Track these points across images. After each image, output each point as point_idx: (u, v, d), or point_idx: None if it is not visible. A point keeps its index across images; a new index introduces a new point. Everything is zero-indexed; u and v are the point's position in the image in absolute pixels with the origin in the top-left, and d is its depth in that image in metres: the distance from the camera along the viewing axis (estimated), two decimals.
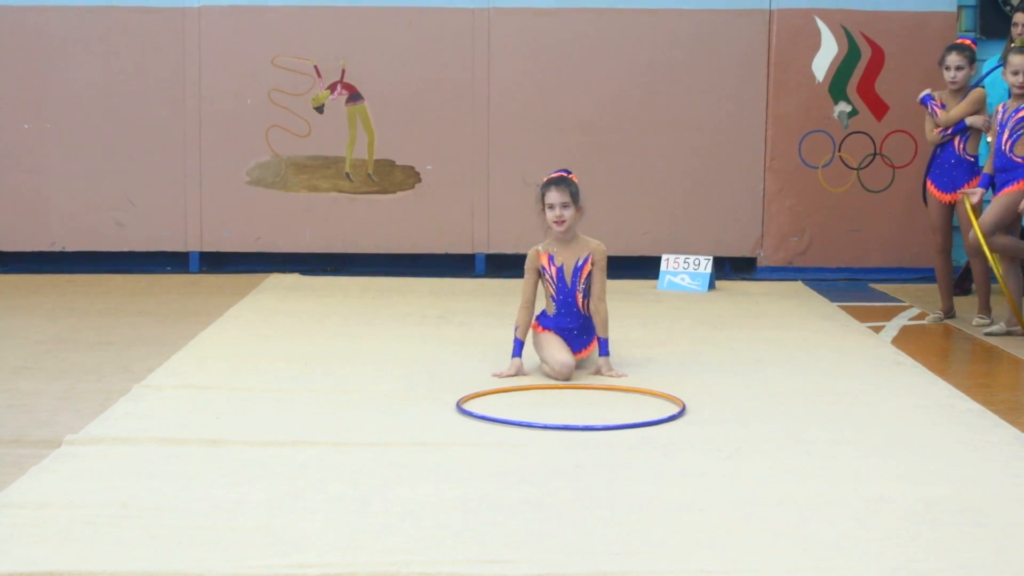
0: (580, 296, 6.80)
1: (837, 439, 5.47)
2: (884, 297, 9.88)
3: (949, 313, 8.76)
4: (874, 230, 10.83)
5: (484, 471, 4.95)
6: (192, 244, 10.90)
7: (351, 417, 5.79)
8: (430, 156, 10.87)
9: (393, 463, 5.03)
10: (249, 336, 7.83)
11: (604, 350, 6.77)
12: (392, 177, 10.89)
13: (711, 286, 10.00)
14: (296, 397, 6.17)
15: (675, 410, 5.93)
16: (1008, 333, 8.10)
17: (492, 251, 10.87)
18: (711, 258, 10.10)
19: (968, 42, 8.55)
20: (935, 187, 8.61)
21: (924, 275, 10.57)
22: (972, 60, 8.47)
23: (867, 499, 4.63)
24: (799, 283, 10.45)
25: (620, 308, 9.03)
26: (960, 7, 10.79)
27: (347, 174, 10.88)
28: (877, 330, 8.32)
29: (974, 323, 8.47)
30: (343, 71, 10.79)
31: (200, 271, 10.89)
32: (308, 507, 4.49)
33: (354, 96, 10.82)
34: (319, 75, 10.80)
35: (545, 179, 6.83)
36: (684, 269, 10.05)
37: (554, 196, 6.72)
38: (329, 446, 5.27)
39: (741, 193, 10.84)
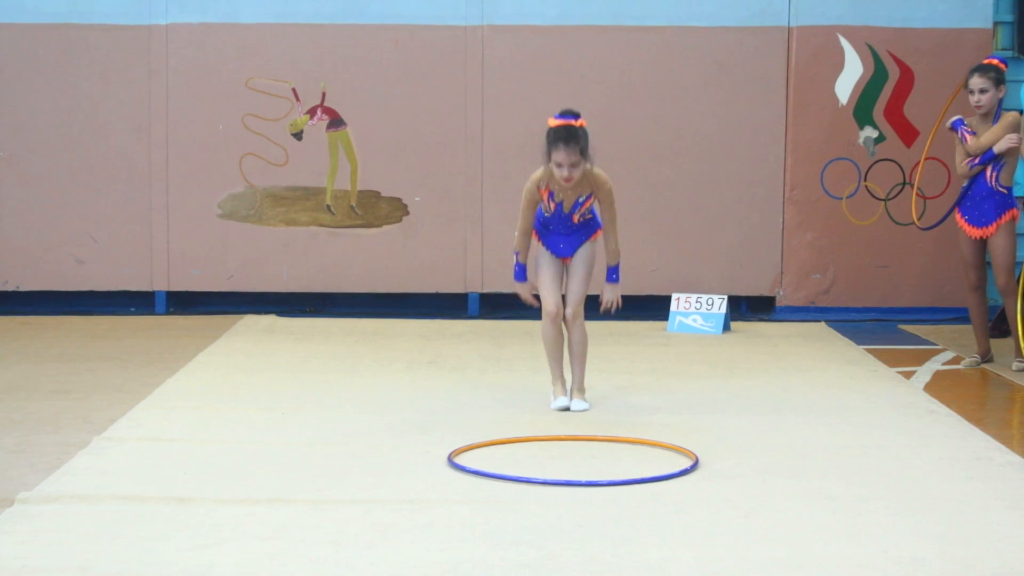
0: (577, 217, 7.12)
1: (864, 495, 5.46)
2: (915, 340, 9.88)
3: (986, 357, 8.76)
4: (904, 266, 10.85)
5: (478, 531, 4.94)
6: (159, 283, 10.90)
7: (332, 472, 5.78)
8: (418, 187, 10.89)
9: (379, 523, 5.03)
10: (220, 383, 7.83)
11: (612, 276, 7.16)
12: (377, 210, 10.91)
13: (726, 328, 10.01)
14: (272, 450, 6.16)
15: (687, 464, 5.93)
16: None
17: (486, 290, 10.88)
18: (725, 297, 10.11)
19: (995, 62, 8.52)
20: (965, 221, 8.60)
21: (959, 315, 10.57)
22: (999, 82, 8.43)
23: (898, 561, 4.63)
24: (822, 324, 10.46)
25: (627, 351, 9.04)
26: (996, 24, 10.85)
27: (328, 206, 10.90)
28: (908, 376, 8.32)
29: (1014, 368, 8.47)
30: (323, 94, 10.83)
31: (167, 312, 10.89)
32: (285, 571, 4.48)
33: (336, 121, 10.85)
34: (297, 98, 10.83)
35: (552, 126, 6.93)
36: (696, 309, 10.06)
37: (563, 157, 6.88)
38: (308, 504, 5.26)
39: (758, 226, 10.86)
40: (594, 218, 7.18)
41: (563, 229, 7.14)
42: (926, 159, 9.40)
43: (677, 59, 10.78)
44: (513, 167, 10.82)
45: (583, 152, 6.88)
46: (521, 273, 7.19)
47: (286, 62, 10.79)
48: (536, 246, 7.21)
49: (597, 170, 7.01)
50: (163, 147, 10.79)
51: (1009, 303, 8.51)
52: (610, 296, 7.16)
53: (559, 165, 6.88)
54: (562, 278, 7.20)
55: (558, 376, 7.26)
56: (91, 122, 10.78)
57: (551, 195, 7.04)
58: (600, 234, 7.17)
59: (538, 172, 7.05)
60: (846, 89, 10.73)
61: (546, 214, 7.12)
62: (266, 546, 4.72)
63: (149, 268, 10.89)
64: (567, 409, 7.10)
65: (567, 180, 6.90)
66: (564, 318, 7.17)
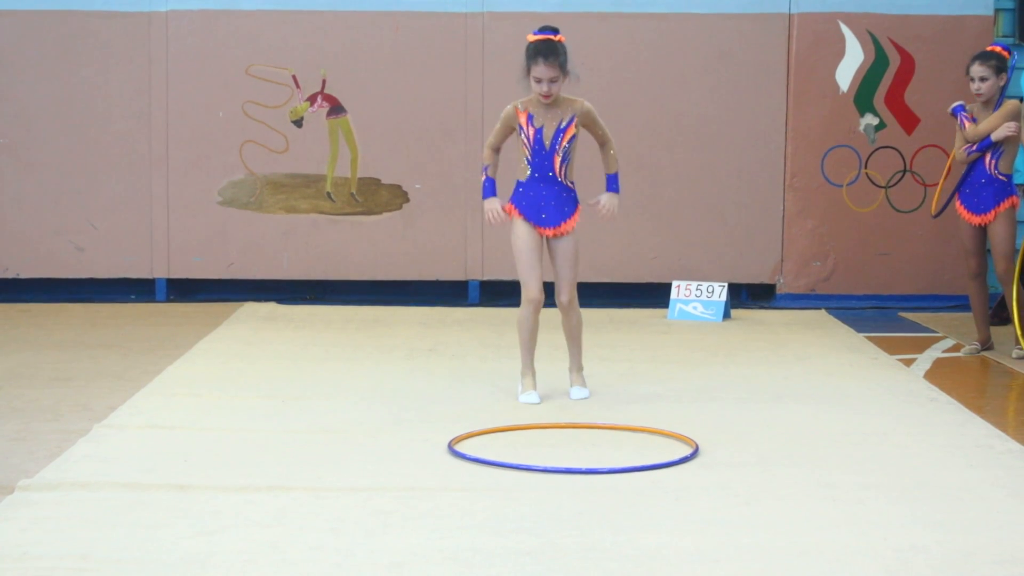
0: (558, 160, 6.92)
1: (865, 483, 5.47)
2: (915, 327, 9.88)
3: (986, 344, 8.76)
4: (904, 254, 10.85)
5: (478, 519, 4.94)
6: (159, 270, 10.91)
7: (332, 459, 5.78)
8: (419, 174, 10.89)
9: (378, 510, 5.03)
10: (221, 371, 7.83)
11: (612, 186, 7.10)
12: (377, 197, 10.91)
13: (726, 315, 10.01)
14: (272, 438, 6.16)
15: (687, 451, 5.93)
16: None
17: (487, 278, 10.88)
18: (726, 285, 10.11)
19: (998, 49, 8.50)
20: (964, 208, 8.60)
21: (959, 303, 10.58)
22: (1000, 69, 8.41)
23: (898, 549, 4.63)
24: (822, 312, 10.46)
25: (627, 339, 9.04)
26: (997, 10, 10.83)
27: (328, 194, 10.89)
28: (908, 363, 8.33)
29: (1014, 355, 8.48)
30: (324, 81, 10.82)
31: (167, 300, 10.89)
32: (286, 559, 4.49)
33: (336, 108, 10.84)
34: (298, 86, 10.82)
35: (532, 40, 6.80)
36: (697, 297, 10.07)
37: (543, 71, 6.75)
38: (308, 491, 5.27)
39: (759, 214, 10.86)
40: (574, 191, 7.03)
41: (544, 178, 6.92)
42: (929, 145, 9.41)
43: (677, 46, 10.77)
44: (514, 155, 10.79)
45: (562, 67, 6.78)
46: (491, 188, 7.00)
47: (286, 49, 10.78)
48: (513, 221, 6.98)
49: (578, 99, 6.96)
50: (163, 134, 10.79)
51: (1008, 291, 8.52)
52: (610, 204, 7.05)
53: (538, 80, 6.76)
54: (541, 258, 6.98)
55: (529, 367, 7.11)
56: (91, 109, 10.78)
57: (530, 119, 6.87)
58: (579, 214, 7.00)
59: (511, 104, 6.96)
60: (847, 76, 10.73)
61: (527, 149, 6.90)
62: (266, 533, 4.73)
63: (149, 255, 10.88)
64: (538, 403, 6.96)
65: (546, 96, 6.79)
66: (560, 305, 7.04)
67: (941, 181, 9.02)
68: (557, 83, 6.79)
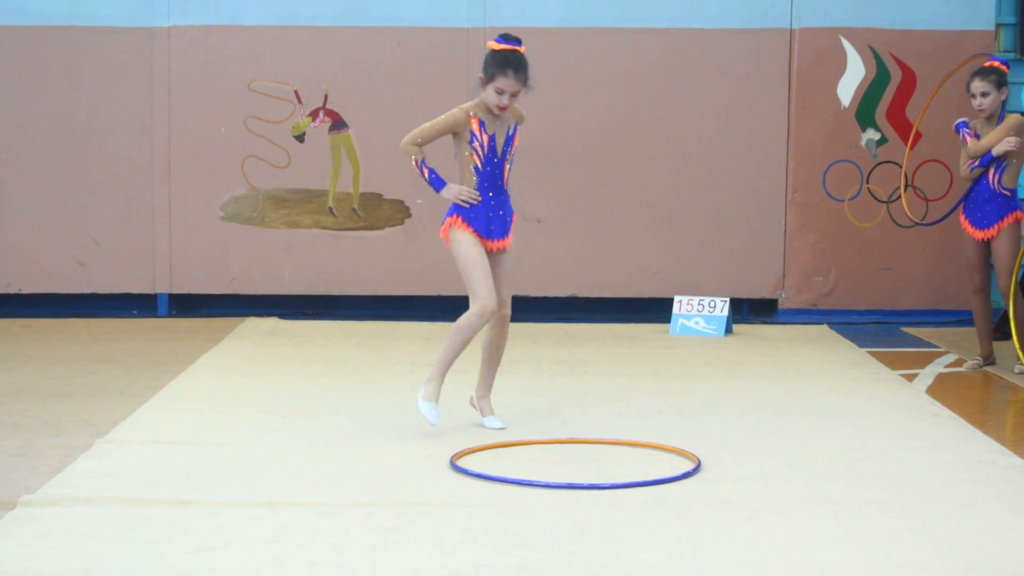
0: (507, 169, 6.65)
1: (867, 498, 5.46)
2: (918, 342, 9.88)
3: (989, 359, 8.76)
4: (906, 269, 10.86)
5: (480, 535, 4.94)
6: (161, 286, 10.91)
7: (334, 475, 5.78)
8: (421, 189, 10.89)
9: (381, 526, 5.03)
10: (223, 386, 7.83)
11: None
12: (379, 212, 10.92)
13: (728, 330, 10.01)
14: (274, 453, 6.16)
15: (689, 466, 5.93)
16: None
17: None
18: (728, 300, 10.11)
19: (996, 64, 8.52)
20: (969, 223, 8.60)
21: (961, 318, 10.58)
22: (1000, 84, 8.43)
23: (900, 565, 4.63)
24: (824, 327, 10.46)
25: (629, 354, 9.04)
26: (998, 25, 10.85)
27: (330, 209, 10.90)
28: (910, 378, 8.32)
29: (1016, 370, 8.47)
30: (326, 96, 10.84)
31: (169, 315, 10.89)
32: (287, 575, 4.48)
33: (338, 124, 10.86)
34: (300, 101, 10.84)
35: (499, 49, 6.55)
36: (698, 312, 10.07)
37: (511, 84, 6.51)
38: (310, 507, 5.26)
39: (760, 229, 10.87)
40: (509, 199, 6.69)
41: (493, 187, 6.60)
42: (910, 151, 9.44)
43: (679, 61, 10.78)
44: (515, 169, 10.79)
45: (527, 81, 6.57)
46: (439, 176, 6.59)
47: (288, 64, 10.80)
48: (457, 231, 6.57)
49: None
50: (165, 149, 10.80)
51: (1009, 305, 8.51)
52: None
53: (501, 92, 6.49)
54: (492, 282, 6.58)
55: (442, 378, 6.61)
56: (93, 124, 10.79)
57: (482, 125, 6.54)
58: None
59: (463, 106, 6.63)
60: (848, 91, 10.74)
61: (478, 158, 6.56)
62: (268, 549, 4.72)
63: (151, 270, 10.89)
64: (434, 423, 6.52)
65: (502, 109, 6.53)
66: (502, 319, 6.68)
67: (902, 179, 9.06)
68: (516, 97, 6.58)
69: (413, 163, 6.61)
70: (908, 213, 9.41)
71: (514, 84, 6.52)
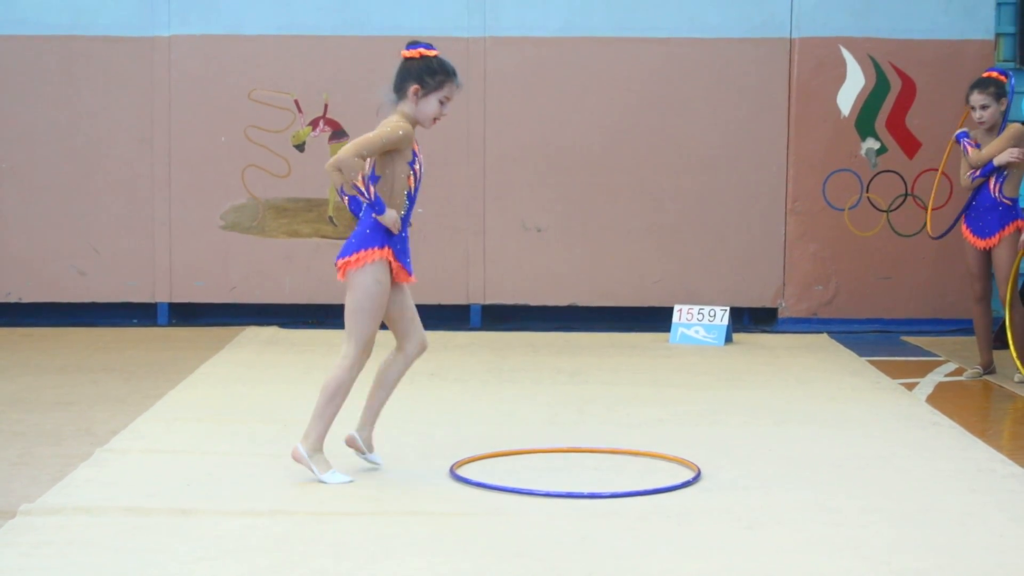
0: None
1: (867, 507, 5.46)
2: (917, 351, 9.88)
3: (989, 368, 8.76)
4: (906, 278, 10.86)
5: (480, 543, 4.94)
6: (161, 295, 10.91)
7: (334, 484, 5.77)
8: (421, 198, 10.83)
9: (380, 534, 5.03)
10: (223, 395, 7.83)
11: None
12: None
13: (728, 339, 10.01)
14: (274, 462, 6.16)
15: (689, 475, 5.93)
16: None
17: (489, 302, 10.88)
18: (728, 309, 10.11)
19: (995, 75, 8.53)
20: (970, 232, 8.60)
21: (961, 327, 10.58)
22: (1000, 95, 8.44)
23: (901, 573, 4.62)
24: (824, 336, 10.46)
25: (629, 363, 9.04)
26: (998, 35, 10.86)
27: (330, 218, 10.91)
28: (910, 387, 8.32)
29: (1016, 379, 8.47)
30: (326, 106, 10.84)
31: (169, 324, 10.89)
32: None
33: (338, 133, 10.86)
34: (300, 110, 10.85)
35: (431, 56, 5.94)
36: (698, 321, 10.06)
37: (453, 94, 5.95)
38: (310, 516, 5.26)
39: (760, 238, 10.87)
40: None
41: (408, 215, 6.03)
42: (941, 173, 9.38)
43: (679, 71, 10.79)
44: (515, 179, 10.84)
45: None
46: (381, 204, 5.79)
47: (288, 74, 10.80)
48: (380, 268, 5.87)
49: None
50: (165, 159, 10.81)
51: (1013, 314, 8.50)
52: None
53: (444, 101, 5.90)
54: None
55: (325, 433, 5.90)
56: (94, 134, 10.80)
57: (417, 147, 5.89)
58: None
59: (400, 119, 5.87)
60: (848, 100, 10.74)
61: (411, 184, 5.91)
62: (268, 558, 4.72)
63: (151, 280, 10.89)
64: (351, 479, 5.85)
65: (434, 122, 5.93)
66: (415, 354, 6.13)
67: (931, 202, 9.03)
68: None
69: (360, 180, 5.73)
70: (930, 231, 9.34)
71: (455, 93, 5.96)
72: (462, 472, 5.95)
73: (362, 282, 5.87)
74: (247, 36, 10.77)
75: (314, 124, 10.85)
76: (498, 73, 10.77)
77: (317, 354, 9.35)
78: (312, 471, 5.77)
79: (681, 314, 10.14)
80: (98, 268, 10.88)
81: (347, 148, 5.74)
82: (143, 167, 10.82)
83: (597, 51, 10.78)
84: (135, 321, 10.98)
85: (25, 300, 10.90)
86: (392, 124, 5.84)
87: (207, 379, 8.36)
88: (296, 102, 10.83)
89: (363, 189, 5.76)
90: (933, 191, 9.33)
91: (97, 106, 10.79)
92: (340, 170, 5.72)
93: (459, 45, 10.73)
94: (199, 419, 7.11)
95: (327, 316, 11.08)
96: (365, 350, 5.94)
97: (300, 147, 10.86)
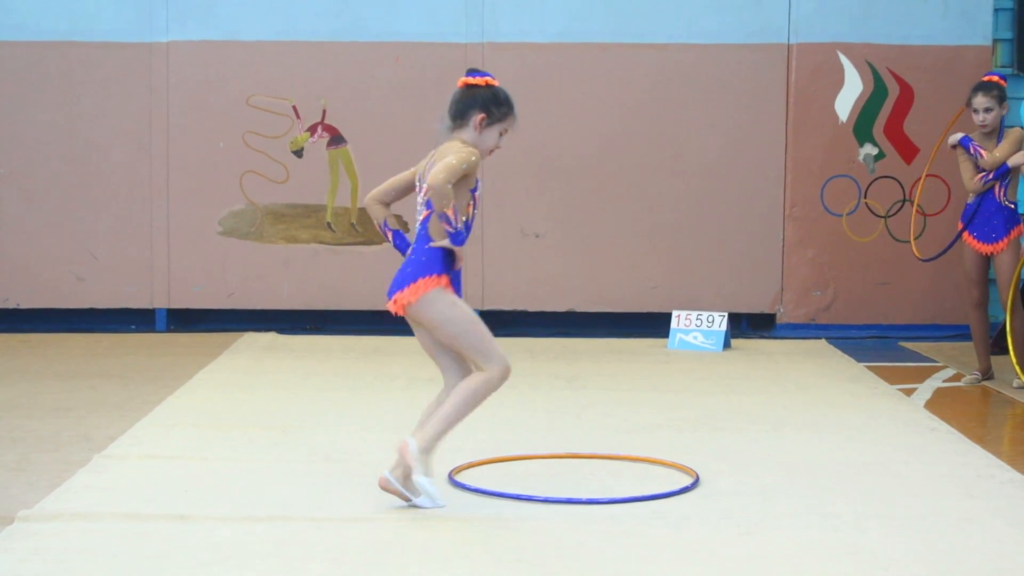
0: None
1: (865, 513, 5.46)
2: (916, 357, 9.88)
3: (987, 374, 8.75)
4: (904, 283, 10.86)
5: (478, 549, 4.94)
6: (159, 300, 10.91)
7: (332, 490, 5.77)
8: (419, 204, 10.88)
9: (379, 540, 5.02)
10: (221, 401, 7.83)
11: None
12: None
13: (726, 345, 10.01)
14: (272, 468, 6.16)
15: (687, 481, 5.93)
16: None
17: (488, 308, 10.87)
18: (726, 315, 10.11)
19: (996, 79, 8.54)
20: (974, 238, 8.58)
21: (959, 332, 10.57)
22: (1002, 99, 8.46)
23: None
24: (822, 342, 10.46)
25: (627, 368, 9.04)
26: (996, 41, 10.86)
27: (328, 223, 10.91)
28: (908, 393, 8.32)
29: (1015, 385, 8.47)
30: (324, 111, 10.85)
31: (168, 330, 10.89)
32: None
33: (336, 139, 10.86)
34: (298, 116, 10.85)
35: (496, 85, 5.87)
36: (696, 327, 10.07)
37: (512, 126, 5.78)
38: (308, 522, 5.26)
39: (758, 243, 10.87)
40: None
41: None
42: (927, 176, 9.39)
43: (677, 76, 10.79)
44: (514, 184, 10.83)
45: None
46: (403, 240, 5.96)
47: (287, 80, 10.81)
48: (448, 292, 5.78)
49: None
50: (164, 164, 10.81)
51: (1013, 320, 8.49)
52: None
53: (503, 133, 5.77)
54: None
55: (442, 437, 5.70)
56: (92, 139, 10.80)
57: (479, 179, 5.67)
58: None
59: (465, 145, 5.70)
60: (846, 106, 10.75)
61: (470, 211, 5.74)
62: (267, 564, 4.72)
63: (150, 285, 10.89)
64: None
65: (490, 154, 5.81)
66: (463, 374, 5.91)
67: (915, 206, 9.02)
68: None
69: (450, 209, 5.56)
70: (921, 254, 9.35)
71: (513, 127, 5.78)
72: (460, 478, 5.95)
73: (440, 311, 5.71)
74: (245, 42, 10.78)
75: (312, 130, 10.85)
76: (496, 79, 10.73)
77: (315, 359, 9.35)
78: (413, 470, 5.40)
79: (679, 320, 10.14)
80: (96, 274, 10.87)
81: (442, 178, 5.50)
82: (141, 173, 10.82)
83: (595, 57, 10.79)
84: (133, 327, 10.98)
85: (24, 306, 10.90)
86: (465, 150, 5.61)
87: (205, 385, 8.35)
88: (294, 108, 10.83)
89: (451, 218, 5.55)
90: (917, 197, 9.32)
91: (95, 112, 10.79)
92: (443, 198, 5.51)
93: (457, 51, 10.74)
94: (197, 425, 7.10)
95: (325, 322, 11.08)
96: (501, 364, 5.66)
97: (298, 153, 10.86)
